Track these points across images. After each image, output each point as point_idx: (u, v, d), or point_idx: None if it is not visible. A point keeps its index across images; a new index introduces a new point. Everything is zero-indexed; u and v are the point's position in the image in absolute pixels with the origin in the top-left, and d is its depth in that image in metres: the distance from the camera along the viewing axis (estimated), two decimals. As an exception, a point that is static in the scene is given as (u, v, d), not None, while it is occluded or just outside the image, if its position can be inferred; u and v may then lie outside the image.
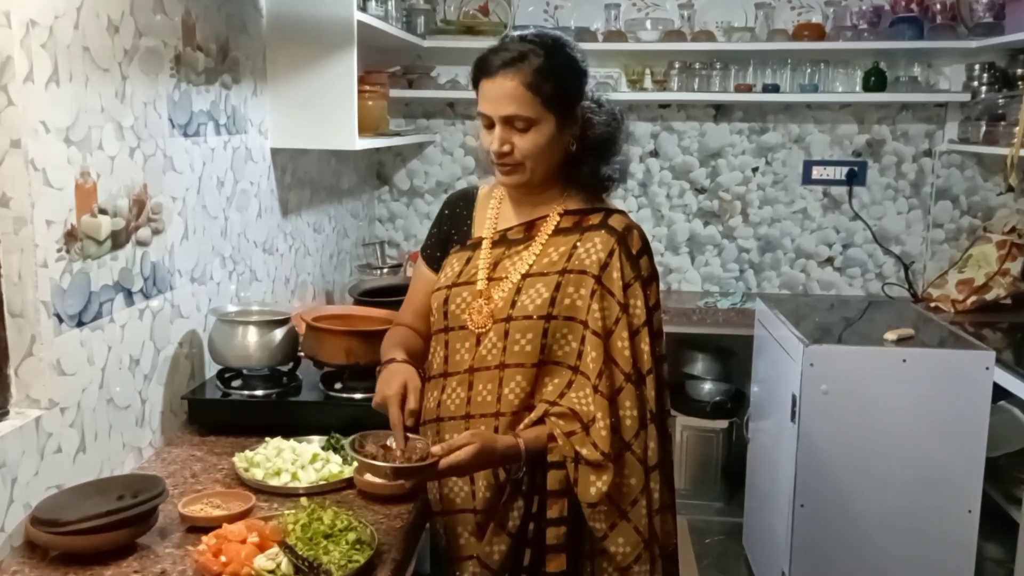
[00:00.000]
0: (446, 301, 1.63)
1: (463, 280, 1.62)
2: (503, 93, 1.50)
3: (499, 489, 1.57)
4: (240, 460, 1.81)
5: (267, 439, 1.90)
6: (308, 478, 1.76)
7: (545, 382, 1.55)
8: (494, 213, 1.68)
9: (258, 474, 1.76)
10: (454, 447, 1.42)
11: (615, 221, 1.60)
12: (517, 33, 1.57)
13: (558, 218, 1.61)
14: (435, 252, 1.74)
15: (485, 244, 1.64)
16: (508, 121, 1.52)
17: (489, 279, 1.60)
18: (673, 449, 3.73)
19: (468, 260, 1.64)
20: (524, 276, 1.57)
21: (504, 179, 1.60)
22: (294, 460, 1.80)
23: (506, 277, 1.59)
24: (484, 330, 1.58)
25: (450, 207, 1.76)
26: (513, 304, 1.56)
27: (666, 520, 1.62)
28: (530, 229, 1.62)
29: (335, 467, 1.81)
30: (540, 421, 1.53)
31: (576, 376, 1.53)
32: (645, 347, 1.54)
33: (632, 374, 1.52)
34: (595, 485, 1.48)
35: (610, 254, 1.55)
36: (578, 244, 1.57)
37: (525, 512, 1.54)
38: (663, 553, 1.61)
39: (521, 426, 1.54)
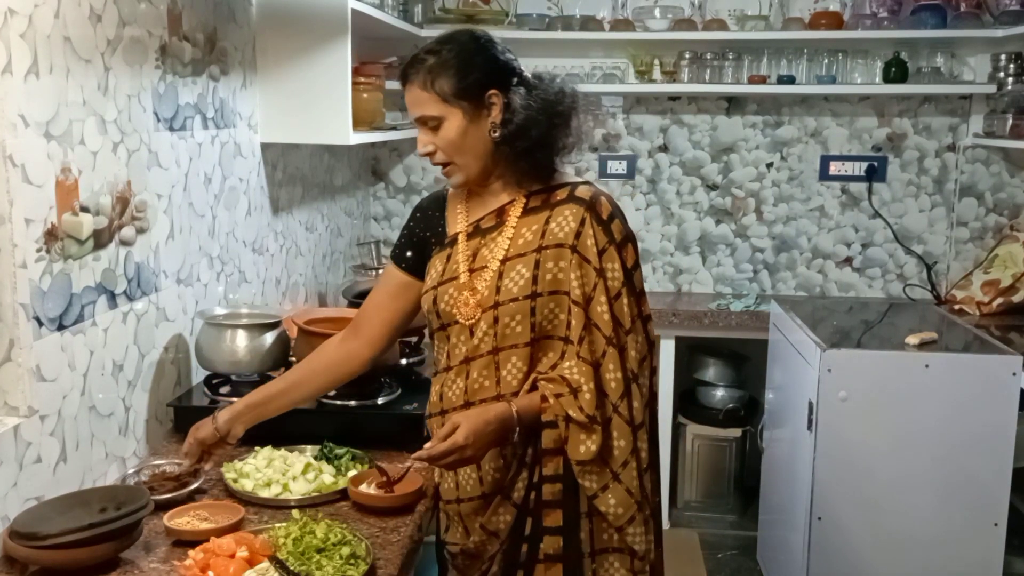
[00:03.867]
0: (435, 301, 1.71)
1: (447, 277, 1.71)
2: (409, 99, 1.65)
3: (506, 467, 1.66)
4: (228, 470, 1.82)
5: (257, 448, 1.90)
6: (300, 489, 1.76)
7: (539, 357, 1.65)
8: (464, 207, 1.76)
9: (248, 485, 1.76)
10: (436, 440, 1.55)
11: (581, 192, 1.68)
12: (426, 44, 1.68)
13: (524, 199, 1.70)
14: (404, 252, 1.82)
15: (461, 238, 1.73)
16: (422, 123, 1.65)
17: (471, 270, 1.69)
18: (683, 458, 3.71)
19: (448, 257, 1.72)
20: (503, 261, 1.66)
21: (449, 181, 1.73)
22: (285, 471, 1.81)
23: (486, 266, 1.67)
24: (475, 320, 1.66)
25: (421, 211, 1.84)
26: (497, 290, 1.64)
27: (652, 479, 1.69)
28: (501, 215, 1.71)
29: (328, 478, 1.81)
30: (534, 389, 1.64)
31: (567, 346, 1.63)
32: (627, 309, 1.63)
33: (613, 337, 1.61)
34: (584, 444, 1.58)
35: (581, 223, 1.63)
36: (549, 220, 1.66)
37: (528, 483, 1.64)
38: (652, 513, 1.68)
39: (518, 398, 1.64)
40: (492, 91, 1.63)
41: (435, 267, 1.73)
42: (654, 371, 1.71)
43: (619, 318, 1.62)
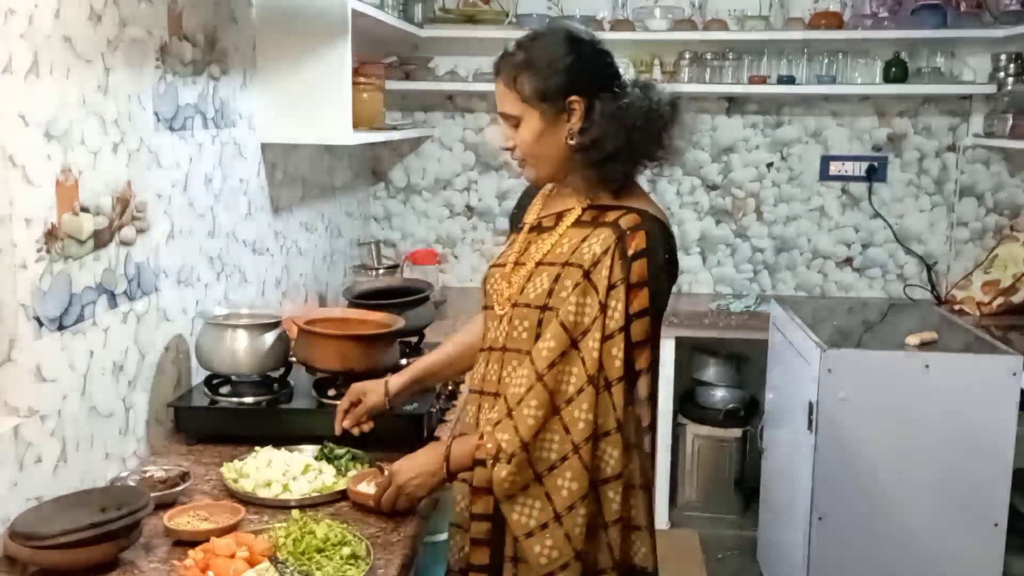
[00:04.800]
0: (485, 279, 1.75)
1: (499, 262, 1.74)
2: (497, 93, 1.65)
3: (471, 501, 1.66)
4: (228, 470, 1.82)
5: (257, 448, 1.90)
6: (300, 489, 1.76)
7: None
8: (540, 202, 1.78)
9: (248, 485, 1.76)
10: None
11: (626, 219, 1.60)
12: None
13: (580, 211, 1.67)
14: (514, 223, 1.86)
15: (524, 229, 1.74)
16: (504, 117, 1.65)
17: (516, 263, 1.70)
18: (683, 458, 3.71)
19: (512, 243, 1.76)
20: (538, 264, 1.65)
21: (523, 175, 1.72)
22: (285, 471, 1.81)
23: (526, 263, 1.68)
24: (504, 313, 1.67)
25: (524, 194, 1.88)
26: (522, 290, 1.65)
27: (640, 539, 1.63)
28: (559, 219, 1.70)
29: (328, 478, 1.81)
30: None
31: (525, 359, 1.58)
32: (618, 353, 1.55)
33: (596, 377, 1.54)
34: (508, 482, 1.53)
35: (605, 251, 1.57)
36: (588, 237, 1.61)
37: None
38: (623, 569, 1.61)
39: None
40: (574, 97, 1.58)
41: (503, 248, 1.78)
42: (650, 429, 1.61)
43: (605, 361, 1.54)
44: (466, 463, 1.59)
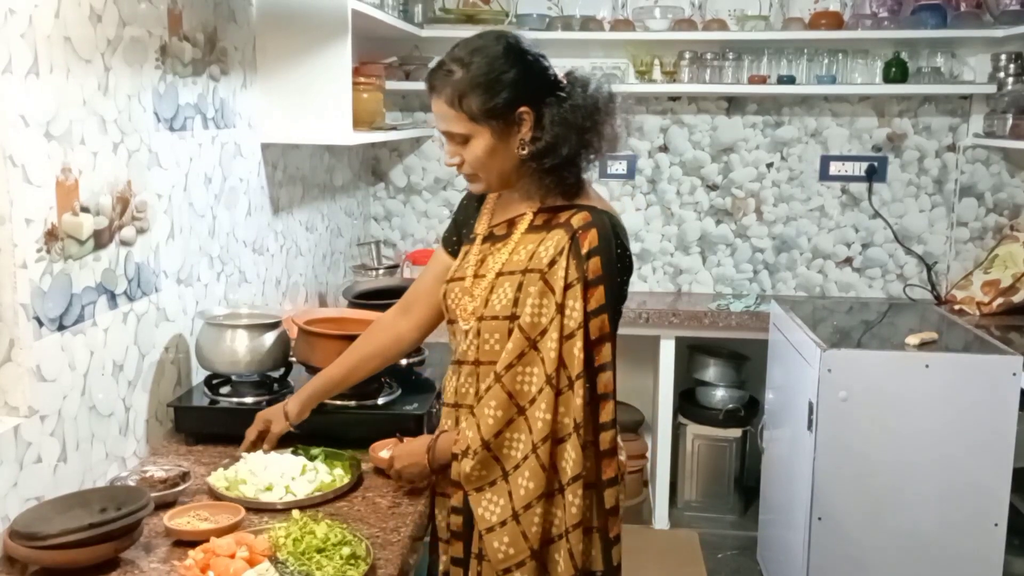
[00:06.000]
0: (445, 295, 1.74)
1: (457, 275, 1.73)
2: (436, 111, 1.63)
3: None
4: (218, 480, 1.78)
5: (244, 455, 1.87)
6: (303, 490, 1.75)
7: None
8: (489, 208, 1.77)
9: (248, 491, 1.74)
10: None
11: (577, 218, 1.61)
12: (456, 42, 1.64)
13: (531, 216, 1.68)
14: (451, 236, 1.86)
15: (477, 240, 1.74)
16: (448, 136, 1.64)
17: (475, 275, 1.69)
18: (683, 458, 3.71)
19: (465, 255, 1.74)
20: (498, 274, 1.65)
21: (470, 187, 1.73)
22: (282, 473, 1.79)
23: (485, 275, 1.67)
24: (469, 327, 1.67)
25: (466, 199, 1.87)
26: (486, 303, 1.64)
27: (590, 541, 1.63)
28: (511, 226, 1.70)
29: (326, 476, 1.81)
30: None
31: (489, 370, 1.62)
32: (577, 352, 1.55)
33: (554, 377, 1.55)
34: (472, 476, 1.60)
35: (560, 252, 1.58)
36: (543, 242, 1.62)
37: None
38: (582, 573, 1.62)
39: None
40: (523, 108, 1.59)
41: (456, 260, 1.77)
42: (610, 425, 1.60)
43: (566, 360, 1.55)
44: (447, 457, 1.65)
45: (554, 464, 1.57)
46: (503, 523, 1.57)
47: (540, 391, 1.55)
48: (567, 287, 1.56)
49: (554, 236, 1.61)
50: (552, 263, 1.58)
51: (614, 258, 1.60)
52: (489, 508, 1.59)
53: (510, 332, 1.59)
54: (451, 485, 1.66)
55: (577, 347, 1.55)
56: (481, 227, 1.75)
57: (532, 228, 1.66)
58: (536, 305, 1.57)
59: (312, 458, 1.88)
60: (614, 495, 1.63)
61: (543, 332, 1.56)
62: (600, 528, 1.64)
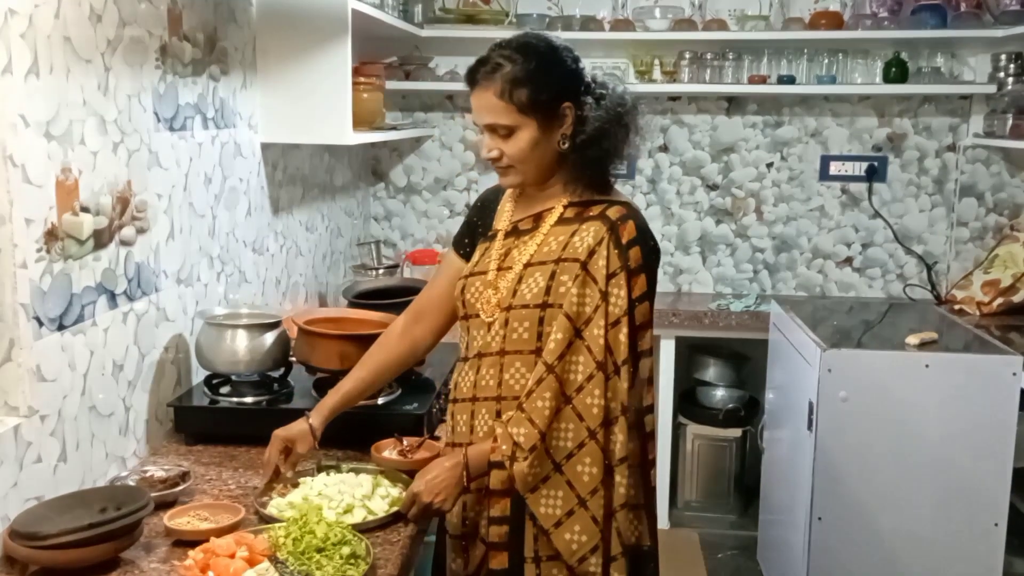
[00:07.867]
0: (463, 290, 1.75)
1: (478, 270, 1.75)
2: (481, 104, 1.65)
3: (479, 506, 1.69)
4: (280, 507, 1.68)
5: (307, 479, 1.78)
6: (381, 508, 1.69)
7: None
8: (511, 206, 1.80)
9: (330, 516, 1.62)
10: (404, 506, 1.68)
11: (613, 211, 1.68)
12: (498, 41, 1.68)
13: (562, 209, 1.71)
14: (462, 239, 1.88)
15: (500, 235, 1.76)
16: (491, 129, 1.66)
17: (499, 269, 1.71)
18: (683, 458, 3.71)
19: (486, 251, 1.76)
20: (526, 265, 1.68)
21: (502, 181, 1.74)
22: (354, 493, 1.71)
23: (511, 267, 1.70)
24: (493, 319, 1.69)
25: (482, 200, 1.89)
26: (514, 293, 1.67)
27: (639, 518, 1.67)
28: (538, 220, 1.73)
29: (394, 490, 1.76)
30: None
31: (537, 359, 1.63)
32: (623, 338, 1.61)
33: (604, 363, 1.59)
34: (531, 475, 1.57)
35: (599, 242, 1.63)
36: (575, 233, 1.66)
37: (488, 522, 1.66)
38: (630, 552, 1.64)
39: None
40: (566, 103, 1.64)
41: (474, 258, 1.78)
42: (649, 409, 1.67)
43: (612, 346, 1.60)
44: (482, 468, 1.61)
45: (607, 448, 1.61)
46: (569, 513, 1.58)
47: (589, 378, 1.59)
48: (610, 276, 1.61)
49: (590, 228, 1.65)
50: (591, 253, 1.62)
51: (650, 249, 1.67)
52: (550, 504, 1.59)
53: (541, 320, 1.63)
54: (489, 496, 1.61)
55: (623, 333, 1.60)
56: (502, 223, 1.77)
57: (562, 220, 1.70)
58: (579, 295, 1.61)
59: (338, 471, 1.81)
60: (655, 476, 1.71)
61: (587, 321, 1.60)
62: (646, 506, 1.69)
